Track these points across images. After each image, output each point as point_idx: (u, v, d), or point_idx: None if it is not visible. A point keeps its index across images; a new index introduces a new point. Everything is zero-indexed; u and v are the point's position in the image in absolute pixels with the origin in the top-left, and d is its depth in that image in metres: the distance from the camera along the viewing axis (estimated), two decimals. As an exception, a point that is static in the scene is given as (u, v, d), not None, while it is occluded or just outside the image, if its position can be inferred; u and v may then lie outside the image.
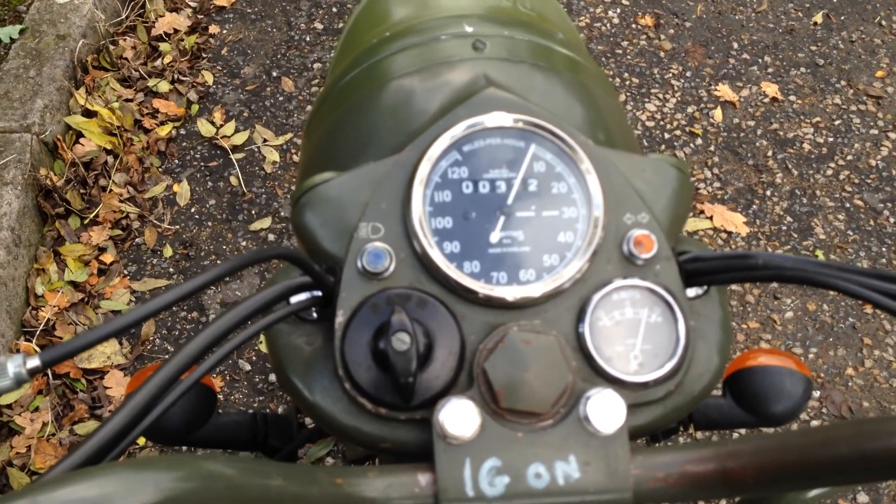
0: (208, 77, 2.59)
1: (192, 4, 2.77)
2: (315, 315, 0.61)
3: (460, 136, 0.62)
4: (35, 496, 0.35)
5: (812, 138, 2.45)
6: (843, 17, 2.77)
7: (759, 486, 0.47)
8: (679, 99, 2.54)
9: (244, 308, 0.53)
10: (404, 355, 0.52)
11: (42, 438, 1.84)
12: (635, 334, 0.57)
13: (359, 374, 0.55)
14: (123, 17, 2.66)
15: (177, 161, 2.41)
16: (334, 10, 2.78)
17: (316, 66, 2.63)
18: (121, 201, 2.25)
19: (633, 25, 2.74)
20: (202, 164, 2.40)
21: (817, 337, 2.05)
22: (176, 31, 2.67)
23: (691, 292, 0.61)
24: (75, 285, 2.10)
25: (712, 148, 2.43)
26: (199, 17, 2.75)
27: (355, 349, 0.55)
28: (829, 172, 2.38)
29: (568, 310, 0.57)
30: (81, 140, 2.30)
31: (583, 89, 0.80)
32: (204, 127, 2.46)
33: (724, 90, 2.56)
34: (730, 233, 2.24)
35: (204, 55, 2.66)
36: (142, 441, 1.84)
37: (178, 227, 2.27)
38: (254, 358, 2.02)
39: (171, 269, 2.18)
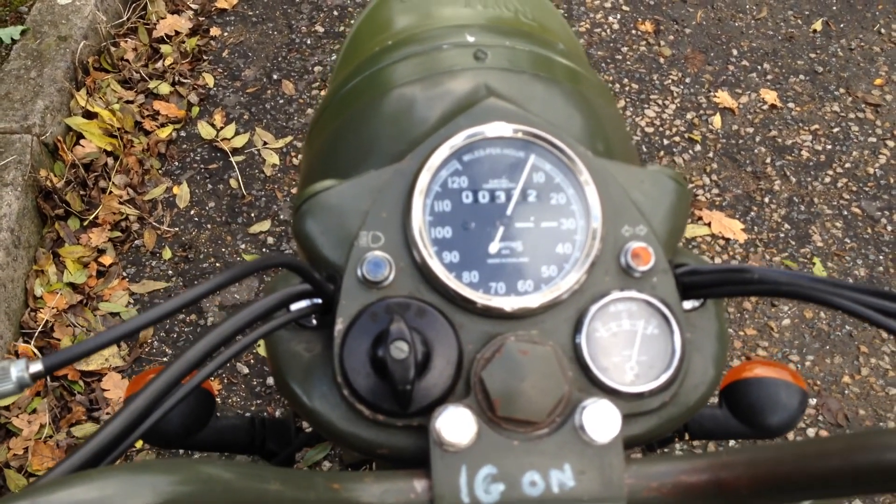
0: (209, 79, 2.60)
1: (194, 7, 2.78)
2: (315, 322, 0.62)
3: (460, 145, 0.62)
4: (34, 498, 0.36)
5: (810, 146, 2.46)
6: (842, 25, 2.78)
7: (752, 496, 0.48)
8: (678, 105, 2.55)
9: (245, 315, 0.53)
10: (402, 363, 0.53)
11: (39, 440, 1.84)
12: (631, 345, 0.57)
13: (357, 380, 0.55)
14: (125, 18, 2.66)
15: (177, 163, 2.41)
16: (335, 13, 2.79)
17: (317, 69, 2.63)
18: (120, 203, 2.26)
19: (633, 31, 2.75)
20: (202, 166, 2.41)
21: (814, 345, 2.06)
22: (177, 33, 2.68)
23: (688, 304, 0.61)
24: (74, 287, 2.10)
25: (711, 154, 2.44)
26: (201, 19, 2.76)
27: (354, 356, 0.56)
28: (828, 180, 2.38)
29: (565, 321, 0.58)
30: (82, 141, 2.30)
31: (583, 100, 0.80)
32: (204, 129, 2.46)
33: (723, 97, 2.56)
34: (728, 239, 2.25)
35: (205, 57, 2.67)
36: (139, 444, 1.84)
37: (177, 229, 2.27)
38: (252, 361, 2.03)
39: (170, 272, 2.18)
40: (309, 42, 2.71)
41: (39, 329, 1.98)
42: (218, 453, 0.77)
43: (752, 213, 2.31)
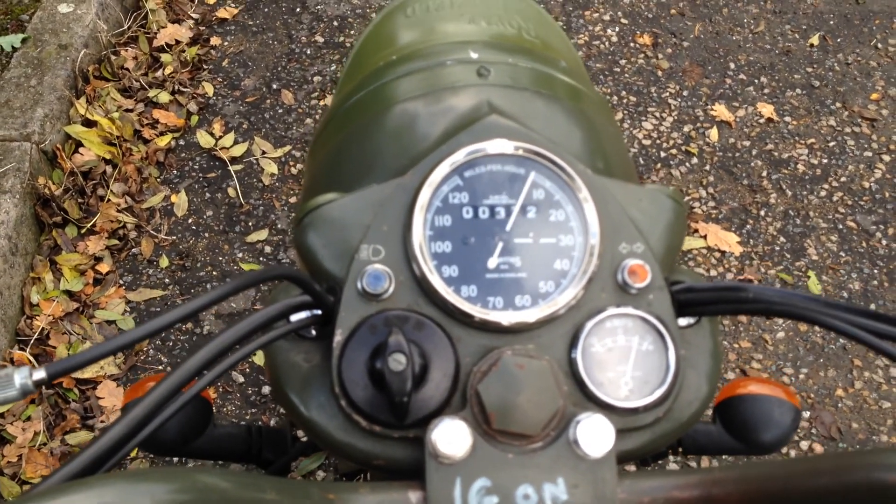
0: (209, 88, 2.61)
1: (195, 16, 2.79)
2: (314, 333, 0.62)
3: (462, 162, 0.63)
4: (36, 503, 0.36)
5: (806, 159, 2.47)
6: (839, 40, 2.80)
7: None
8: (676, 118, 2.56)
9: (245, 325, 0.54)
10: (400, 375, 0.53)
11: (34, 448, 1.84)
12: (626, 361, 0.58)
13: (355, 392, 0.56)
14: (125, 27, 2.67)
15: (175, 172, 2.42)
16: (335, 23, 2.80)
17: (316, 79, 2.64)
18: (118, 211, 2.26)
19: (632, 44, 2.77)
20: (200, 175, 2.41)
21: (808, 357, 2.06)
22: (177, 42, 2.69)
23: (683, 322, 0.62)
24: (70, 294, 2.10)
25: (707, 167, 2.45)
26: (201, 28, 2.77)
27: (352, 368, 0.56)
28: (823, 194, 2.39)
29: (562, 336, 0.59)
30: (81, 149, 2.31)
31: (584, 118, 0.81)
32: (203, 138, 2.47)
33: (720, 110, 2.58)
34: (723, 252, 2.25)
35: (205, 66, 2.68)
36: (133, 453, 1.84)
37: (174, 237, 2.27)
38: (247, 370, 2.03)
39: (167, 280, 2.19)
40: (309, 52, 2.72)
41: (35, 336, 1.98)
42: (214, 462, 0.78)
43: (748, 226, 2.32)
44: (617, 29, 2.81)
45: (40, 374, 0.45)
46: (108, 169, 2.32)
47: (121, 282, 2.17)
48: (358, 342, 0.57)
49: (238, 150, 2.45)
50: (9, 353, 1.95)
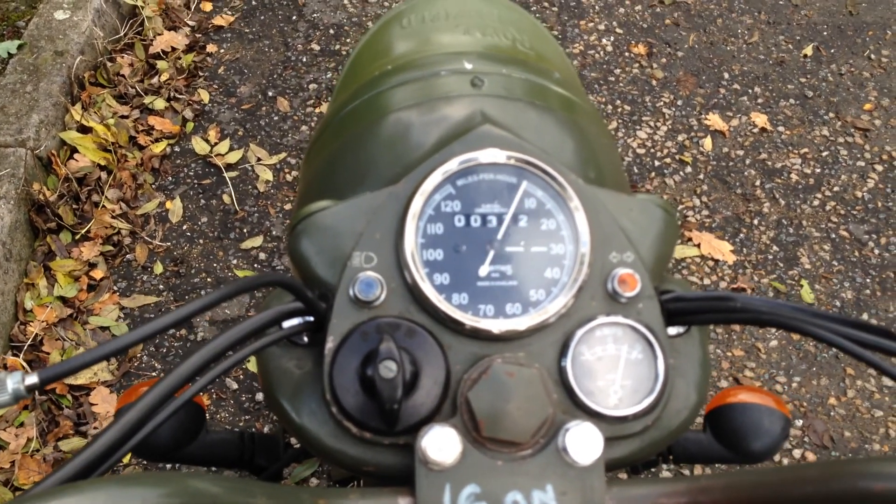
0: (204, 95, 2.61)
1: (191, 23, 2.80)
2: (306, 340, 0.63)
3: (454, 171, 0.64)
4: None
5: (800, 169, 2.48)
6: (832, 51, 2.81)
7: None
8: (670, 127, 2.57)
9: (238, 331, 0.54)
10: (390, 382, 0.53)
11: (26, 454, 1.84)
12: (616, 370, 0.58)
13: (346, 398, 0.56)
14: (122, 34, 2.68)
15: (170, 178, 2.42)
16: (331, 31, 2.81)
17: (312, 86, 2.65)
18: (113, 217, 2.26)
19: (627, 54, 2.78)
20: (195, 181, 2.42)
21: (801, 366, 2.07)
22: (173, 49, 2.69)
23: (672, 331, 0.63)
24: (64, 301, 2.10)
25: (701, 176, 2.46)
26: (197, 36, 2.78)
27: (343, 375, 0.57)
28: (816, 203, 2.41)
29: (552, 344, 0.59)
30: (76, 156, 2.31)
31: (576, 128, 0.82)
32: (198, 145, 2.47)
33: (714, 119, 2.59)
34: (717, 261, 2.26)
35: (201, 74, 2.68)
36: (126, 459, 1.84)
37: (169, 244, 2.27)
38: (241, 377, 2.03)
39: (161, 286, 2.19)
40: (305, 60, 2.73)
41: (29, 343, 1.98)
42: (207, 468, 0.78)
43: (742, 235, 2.33)
44: (612, 38, 2.82)
45: (33, 379, 0.46)
46: (103, 175, 2.32)
47: (115, 288, 2.17)
48: (349, 349, 0.57)
49: (233, 157, 2.45)
50: (2, 359, 1.95)
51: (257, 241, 2.28)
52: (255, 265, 2.23)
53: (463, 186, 0.64)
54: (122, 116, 2.48)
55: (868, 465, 0.44)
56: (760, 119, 2.59)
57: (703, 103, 2.64)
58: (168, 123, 2.51)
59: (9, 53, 2.42)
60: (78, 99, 2.43)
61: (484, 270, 0.62)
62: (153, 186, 2.39)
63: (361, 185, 0.76)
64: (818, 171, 2.48)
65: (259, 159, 2.46)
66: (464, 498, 0.52)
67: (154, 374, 2.03)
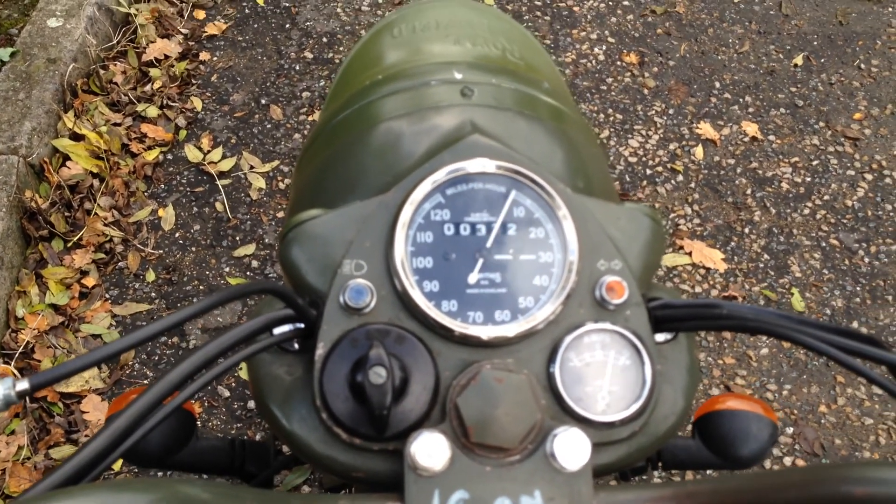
0: (197, 103, 2.62)
1: (184, 31, 2.80)
2: (297, 347, 0.63)
3: (443, 180, 0.64)
4: None
5: (790, 178, 2.50)
6: (822, 60, 2.83)
7: None
8: (661, 136, 2.59)
9: (229, 337, 0.54)
10: (380, 388, 0.54)
11: (17, 462, 1.83)
12: (604, 376, 0.59)
13: (336, 404, 0.57)
14: (114, 42, 2.68)
15: (163, 186, 2.42)
16: (324, 39, 2.82)
17: (305, 94, 2.66)
18: (105, 225, 2.26)
19: (618, 63, 2.79)
20: (188, 189, 2.42)
21: (791, 374, 2.08)
22: (166, 57, 2.70)
23: (660, 337, 0.63)
24: (56, 308, 2.10)
25: (693, 185, 2.47)
26: (190, 43, 2.78)
27: (333, 381, 0.57)
28: (807, 211, 2.42)
29: (540, 350, 0.60)
30: (68, 163, 2.31)
31: (565, 138, 0.82)
32: (191, 152, 2.47)
33: (705, 128, 2.60)
34: (708, 269, 2.27)
35: (193, 81, 2.69)
36: (117, 466, 1.83)
37: (161, 251, 2.27)
38: (233, 384, 2.03)
39: (153, 294, 2.19)
40: (298, 68, 2.74)
41: (20, 350, 1.98)
42: (197, 474, 0.78)
43: (733, 244, 2.34)
44: (604, 48, 2.84)
45: (23, 385, 0.46)
46: (96, 183, 2.32)
47: (107, 296, 2.17)
48: (339, 355, 0.58)
49: (226, 165, 2.46)
50: (-7, 366, 1.94)
51: (250, 248, 2.28)
52: (248, 273, 2.23)
53: (452, 195, 0.64)
54: (115, 124, 2.48)
55: (850, 470, 0.44)
56: (751, 128, 2.61)
57: (695, 112, 2.66)
58: (161, 131, 2.51)
59: (1, 61, 2.42)
60: (70, 106, 2.43)
61: (473, 278, 0.62)
62: (146, 194, 2.39)
63: (352, 193, 0.77)
64: (809, 179, 2.50)
65: (252, 167, 2.46)
66: (452, 503, 0.52)
67: (146, 381, 2.03)
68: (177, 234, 2.31)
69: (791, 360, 2.10)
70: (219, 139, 2.53)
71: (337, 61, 2.77)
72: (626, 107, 2.66)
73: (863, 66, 2.82)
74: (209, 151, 2.49)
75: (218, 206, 2.38)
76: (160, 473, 1.79)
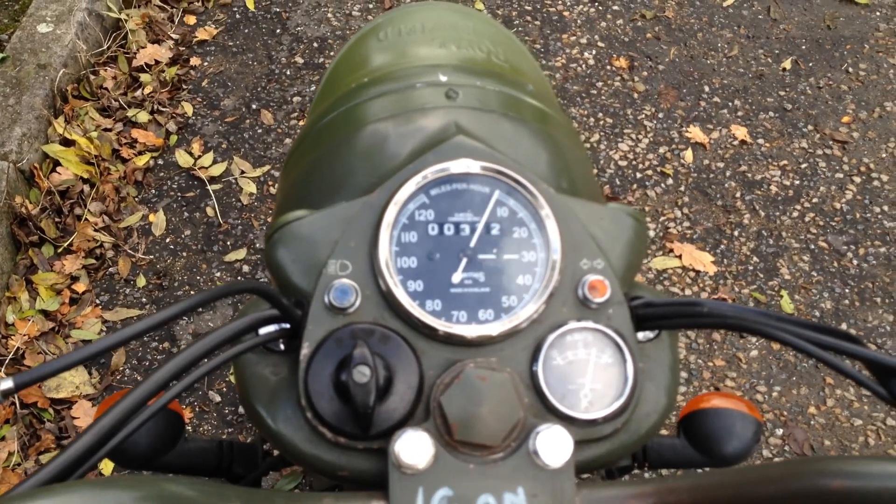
0: (188, 108, 2.62)
1: (174, 36, 2.81)
2: (282, 347, 0.63)
3: (428, 180, 0.65)
4: None
5: (779, 181, 2.51)
6: (811, 64, 2.85)
7: None
8: (651, 139, 2.60)
9: (214, 338, 0.55)
10: (364, 387, 0.54)
11: (7, 468, 1.83)
12: (586, 374, 0.59)
13: (320, 404, 0.57)
14: (105, 47, 2.68)
15: (153, 191, 2.42)
16: (315, 45, 2.83)
17: (296, 99, 2.66)
18: (95, 230, 2.26)
19: (608, 67, 2.81)
20: (179, 194, 2.42)
21: (781, 375, 2.09)
22: (157, 62, 2.70)
23: (643, 336, 0.64)
24: (46, 314, 2.09)
25: (683, 188, 2.48)
26: (181, 49, 2.78)
27: (318, 380, 0.58)
28: (795, 214, 2.43)
29: (523, 349, 0.60)
30: (58, 169, 2.31)
31: (549, 139, 0.83)
32: (182, 158, 2.48)
33: (694, 132, 2.61)
34: (698, 272, 2.28)
35: (184, 86, 2.69)
36: (108, 471, 1.83)
37: (152, 257, 2.27)
38: (224, 390, 2.03)
39: (144, 299, 2.18)
40: (288, 73, 2.74)
41: (10, 356, 1.97)
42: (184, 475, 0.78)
43: (722, 246, 2.35)
44: (594, 52, 2.85)
45: (7, 383, 0.46)
46: (86, 188, 2.32)
47: (97, 301, 2.17)
48: (324, 355, 0.58)
49: (217, 170, 2.46)
50: (-17, 372, 1.94)
51: (241, 253, 2.28)
52: (239, 278, 2.23)
53: (436, 196, 0.65)
54: (106, 129, 2.48)
55: (826, 464, 0.45)
56: (740, 132, 2.62)
57: (684, 116, 2.67)
58: (151, 136, 2.51)
59: (-9, 67, 2.42)
60: (61, 112, 2.43)
61: (457, 277, 0.63)
62: (136, 199, 2.39)
63: (338, 194, 0.77)
64: (797, 182, 2.51)
65: (243, 172, 2.46)
66: (436, 501, 0.53)
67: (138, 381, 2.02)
68: (167, 240, 2.31)
69: (780, 361, 2.11)
70: (210, 144, 2.54)
71: (328, 66, 2.77)
72: (616, 111, 2.67)
73: (851, 69, 2.84)
74: (200, 156, 2.49)
75: (209, 211, 2.38)
76: (148, 475, 1.79)
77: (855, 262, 2.33)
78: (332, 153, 0.83)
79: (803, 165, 2.55)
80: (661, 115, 2.67)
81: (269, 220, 2.35)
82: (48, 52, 2.47)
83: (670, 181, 2.50)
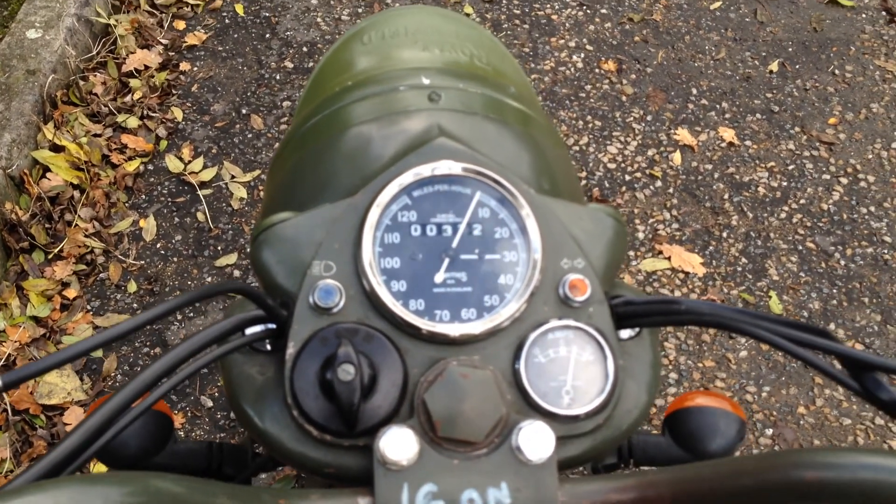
0: (178, 113, 2.62)
1: (164, 42, 2.81)
2: (269, 347, 0.64)
3: (410, 182, 0.66)
4: None
5: (767, 182, 2.53)
6: (797, 66, 2.87)
7: None
8: (640, 142, 2.61)
9: (200, 338, 0.55)
10: (348, 385, 0.55)
11: (0, 475, 1.83)
12: (567, 371, 0.60)
13: (306, 402, 0.58)
14: (94, 53, 2.69)
15: (144, 196, 2.42)
16: (304, 49, 2.83)
17: (285, 104, 2.67)
18: (86, 236, 2.26)
19: (597, 70, 2.82)
20: (169, 199, 2.42)
21: (770, 376, 2.10)
22: (147, 67, 2.70)
23: (624, 334, 0.65)
24: (37, 320, 2.09)
25: (671, 190, 2.50)
26: (171, 54, 2.79)
27: (304, 379, 0.58)
28: (783, 216, 2.45)
29: (506, 347, 0.61)
30: (48, 175, 2.31)
31: (531, 141, 0.84)
32: (172, 163, 2.48)
33: (683, 134, 2.63)
34: (687, 273, 2.29)
35: (174, 92, 2.69)
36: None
37: (143, 262, 2.27)
38: (216, 394, 2.03)
39: (135, 305, 2.19)
40: (278, 77, 2.75)
41: (1, 363, 1.97)
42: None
43: (711, 248, 2.37)
44: (582, 55, 2.86)
45: None
46: (76, 194, 2.32)
47: (88, 307, 2.17)
48: (309, 354, 0.59)
49: (207, 175, 2.46)
50: (-27, 378, 1.93)
51: (232, 258, 2.28)
52: (223, 280, 2.23)
53: (419, 197, 0.66)
54: (95, 135, 2.48)
55: (800, 456, 0.46)
56: (728, 134, 2.64)
57: (672, 118, 2.69)
58: (141, 142, 2.51)
59: (-19, 73, 2.42)
60: (50, 118, 2.43)
61: (440, 277, 0.63)
62: (126, 205, 2.39)
63: (322, 196, 0.78)
64: (785, 184, 2.53)
65: (233, 177, 2.47)
66: (421, 496, 0.54)
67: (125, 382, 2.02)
68: (158, 245, 2.32)
69: (770, 362, 2.13)
70: (200, 149, 2.54)
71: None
72: (605, 113, 2.69)
73: (837, 71, 2.86)
74: (190, 162, 2.49)
75: (199, 216, 2.38)
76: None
77: (842, 262, 2.34)
78: (316, 155, 0.84)
79: (790, 167, 2.57)
80: (649, 118, 2.68)
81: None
82: (37, 58, 2.47)
83: (659, 183, 2.51)
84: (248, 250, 0.68)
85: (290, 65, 2.78)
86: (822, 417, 2.03)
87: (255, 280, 2.23)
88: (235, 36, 2.87)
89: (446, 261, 0.64)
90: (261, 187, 2.45)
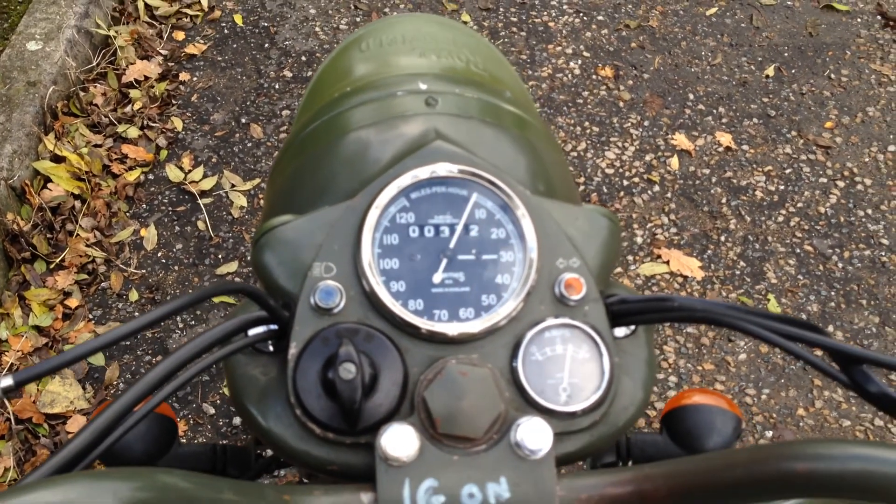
0: (178, 123, 2.64)
1: (163, 52, 2.83)
2: (271, 348, 0.65)
3: (408, 184, 0.67)
4: (3, 501, 0.39)
5: (764, 186, 2.54)
6: (793, 71, 2.89)
7: None
8: (637, 147, 2.63)
9: (204, 339, 0.56)
10: (350, 384, 0.56)
11: (3, 484, 1.83)
12: (564, 368, 0.61)
13: (309, 401, 0.59)
14: (94, 64, 2.70)
15: (144, 206, 2.44)
16: (303, 58, 2.85)
17: (285, 113, 2.68)
18: (87, 246, 2.27)
19: (594, 76, 2.84)
20: (170, 208, 2.43)
21: (769, 378, 2.11)
22: (146, 78, 2.72)
23: (620, 332, 0.66)
24: (40, 330, 2.10)
25: (669, 195, 2.51)
26: (170, 64, 2.81)
27: (306, 378, 0.59)
28: (781, 219, 2.46)
29: (503, 345, 0.62)
30: (49, 185, 2.32)
31: (527, 144, 0.85)
32: (172, 172, 2.49)
33: (680, 139, 2.65)
34: (686, 277, 2.31)
35: (174, 102, 2.71)
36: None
37: (144, 271, 2.29)
38: (218, 402, 2.04)
39: (137, 314, 2.20)
40: (277, 87, 2.76)
41: (4, 372, 1.98)
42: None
43: (709, 252, 2.38)
44: (579, 62, 2.88)
45: (7, 381, 0.48)
46: (77, 204, 2.34)
47: (90, 316, 2.18)
48: (311, 354, 0.60)
49: (207, 184, 2.48)
50: (-24, 388, 1.94)
51: (232, 266, 2.30)
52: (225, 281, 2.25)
53: (416, 199, 0.67)
54: (96, 145, 2.50)
55: (791, 448, 0.47)
56: (725, 138, 2.65)
57: (670, 124, 2.70)
58: (142, 151, 2.53)
59: (-18, 85, 2.44)
60: (51, 129, 2.45)
61: (438, 277, 0.65)
62: (127, 214, 2.41)
63: (321, 200, 0.79)
64: (782, 188, 2.54)
65: (233, 185, 2.48)
66: (422, 492, 0.55)
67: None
68: (159, 254, 2.33)
69: (769, 364, 2.13)
70: (200, 158, 2.55)
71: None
72: (603, 119, 2.70)
73: (833, 76, 2.87)
74: (190, 171, 2.51)
75: (200, 224, 2.39)
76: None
77: (840, 265, 2.35)
78: (315, 160, 0.85)
79: (788, 171, 2.59)
80: (646, 123, 2.70)
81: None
82: (38, 70, 2.49)
83: (657, 188, 2.52)
84: (250, 255, 0.69)
85: (288, 74, 2.80)
86: (821, 419, 2.04)
87: (257, 286, 2.24)
88: (234, 46, 2.89)
89: (444, 261, 0.65)
90: (261, 196, 2.47)
